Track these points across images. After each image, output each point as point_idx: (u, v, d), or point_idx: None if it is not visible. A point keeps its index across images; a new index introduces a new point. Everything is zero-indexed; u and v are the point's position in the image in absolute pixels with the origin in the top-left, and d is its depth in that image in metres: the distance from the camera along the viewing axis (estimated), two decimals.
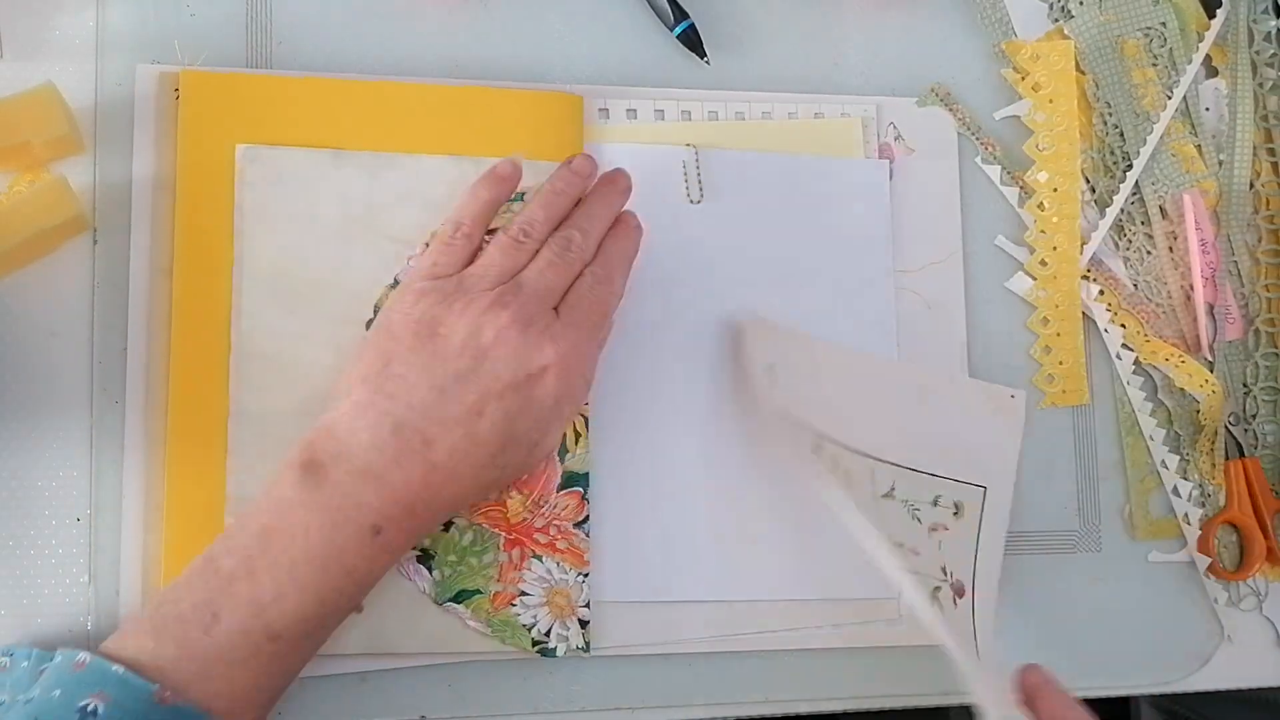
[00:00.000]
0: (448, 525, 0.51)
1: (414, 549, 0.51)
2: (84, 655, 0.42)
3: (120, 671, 0.40)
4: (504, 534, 0.52)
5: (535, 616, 0.52)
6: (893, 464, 0.56)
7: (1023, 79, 0.62)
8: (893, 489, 0.56)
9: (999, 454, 0.58)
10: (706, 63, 0.58)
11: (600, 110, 0.57)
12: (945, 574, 0.56)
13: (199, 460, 0.50)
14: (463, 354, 0.46)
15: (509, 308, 0.47)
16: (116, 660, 0.41)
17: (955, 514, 0.57)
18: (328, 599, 0.43)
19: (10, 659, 0.45)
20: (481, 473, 0.46)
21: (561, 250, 0.49)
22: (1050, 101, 0.61)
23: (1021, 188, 0.61)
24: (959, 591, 0.56)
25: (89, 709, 0.39)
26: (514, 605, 0.52)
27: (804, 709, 0.56)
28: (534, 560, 0.52)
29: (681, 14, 0.58)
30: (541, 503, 0.53)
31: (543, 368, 0.46)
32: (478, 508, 0.52)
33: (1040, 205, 0.61)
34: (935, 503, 0.57)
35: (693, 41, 0.58)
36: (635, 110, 0.57)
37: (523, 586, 0.52)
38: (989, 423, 0.58)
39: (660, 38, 0.59)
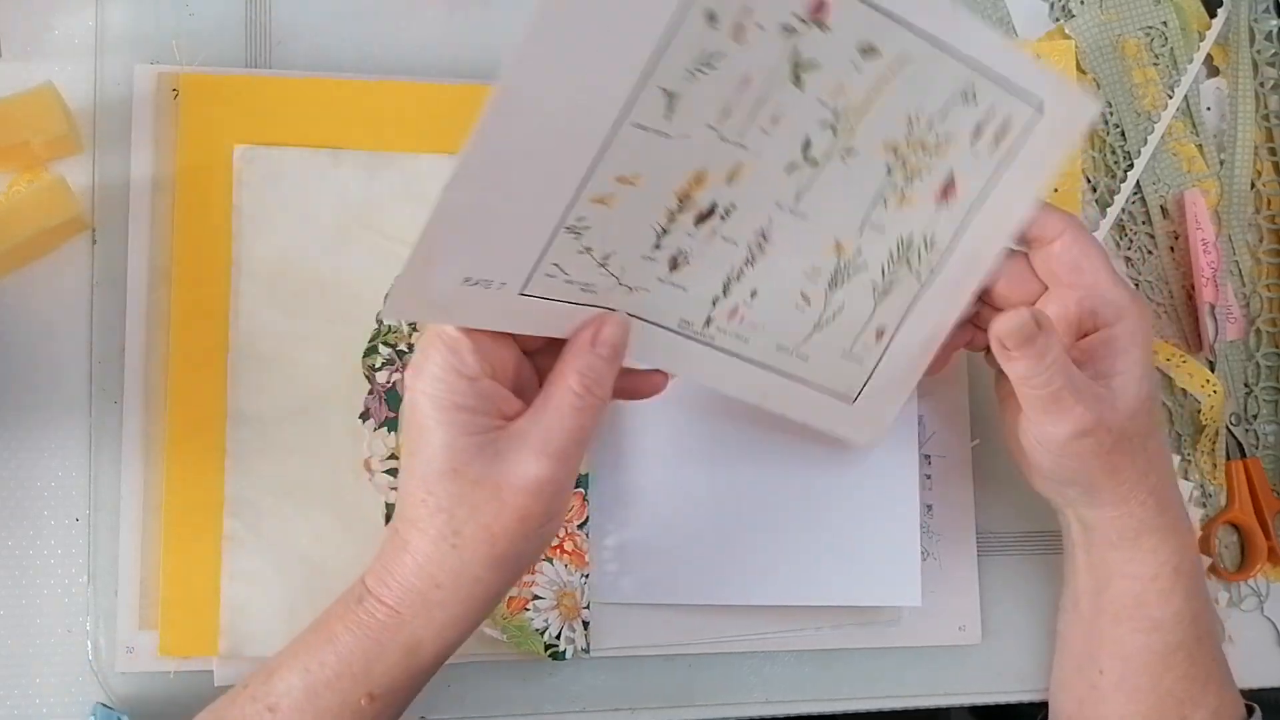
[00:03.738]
0: None
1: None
2: None
3: None
4: None
5: (547, 620, 0.52)
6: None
7: None
8: None
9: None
10: None
11: None
12: None
13: (197, 460, 0.50)
14: None
15: None
16: None
17: None
18: (311, 669, 0.42)
19: None
20: (429, 528, 0.42)
21: None
22: None
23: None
24: None
25: None
26: (528, 610, 0.52)
27: (804, 709, 0.56)
28: (545, 563, 0.52)
29: None
30: None
31: (408, 391, 0.42)
32: None
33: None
34: None
35: None
36: None
37: (536, 590, 0.52)
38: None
39: None
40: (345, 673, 0.42)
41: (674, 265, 0.45)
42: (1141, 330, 0.47)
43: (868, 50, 0.43)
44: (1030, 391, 0.46)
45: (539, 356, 0.45)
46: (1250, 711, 0.52)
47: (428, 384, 0.41)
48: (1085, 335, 0.48)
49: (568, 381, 0.42)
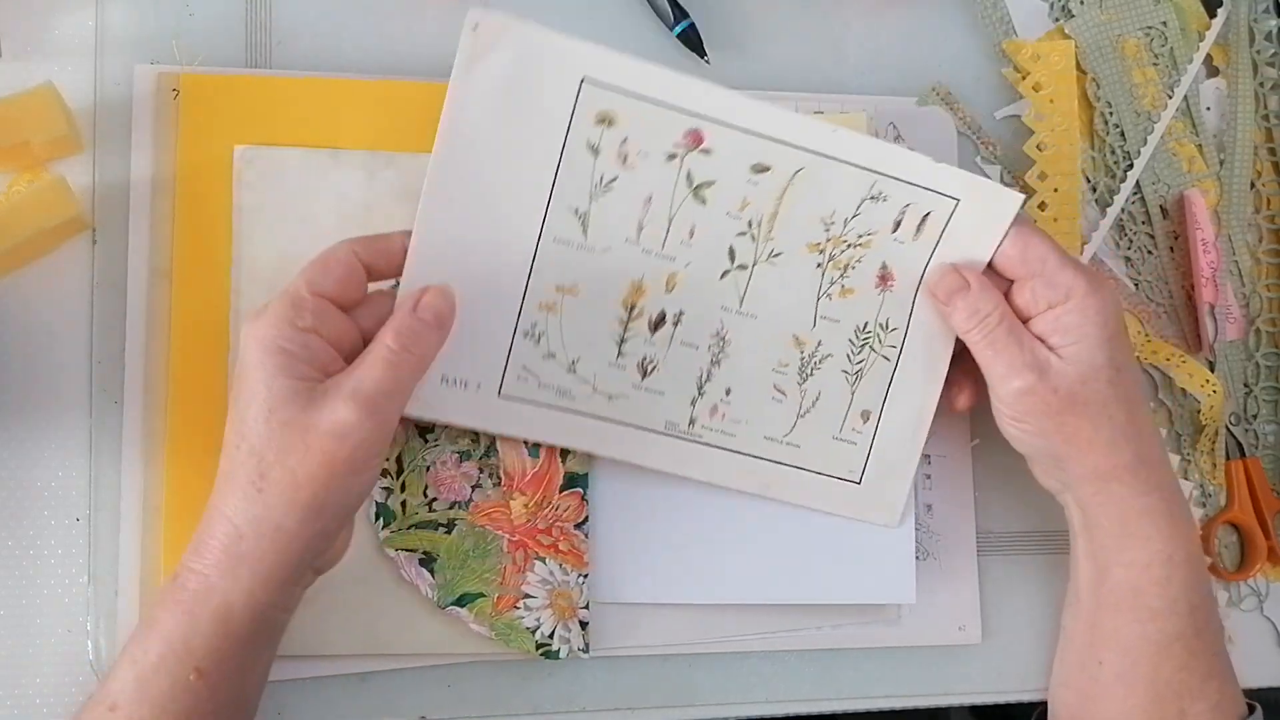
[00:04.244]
0: (450, 528, 0.51)
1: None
2: None
3: None
4: (507, 536, 0.52)
5: (539, 619, 0.52)
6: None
7: (1023, 79, 0.62)
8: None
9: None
10: (706, 62, 0.58)
11: None
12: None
13: (198, 460, 0.50)
14: None
15: None
16: None
17: None
18: (137, 657, 0.43)
19: None
20: (238, 473, 0.43)
21: None
22: (1050, 101, 0.61)
23: (1021, 188, 0.61)
24: None
25: None
26: (517, 608, 0.52)
27: (804, 709, 0.56)
28: (537, 562, 0.52)
29: (681, 14, 0.58)
30: (544, 504, 0.53)
31: (241, 339, 0.44)
32: (480, 509, 0.52)
33: (1041, 205, 0.61)
34: None
35: (693, 41, 0.58)
36: None
37: (526, 589, 0.52)
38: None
39: (660, 38, 0.59)
40: (169, 654, 0.43)
41: (644, 372, 0.51)
42: (1094, 307, 0.49)
43: (759, 168, 0.50)
44: (975, 343, 0.50)
45: None
46: (1251, 710, 0.52)
47: (260, 328, 0.44)
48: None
49: (385, 338, 0.45)
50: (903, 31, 0.62)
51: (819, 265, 0.51)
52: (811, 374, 0.52)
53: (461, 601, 0.51)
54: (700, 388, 0.52)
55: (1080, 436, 0.50)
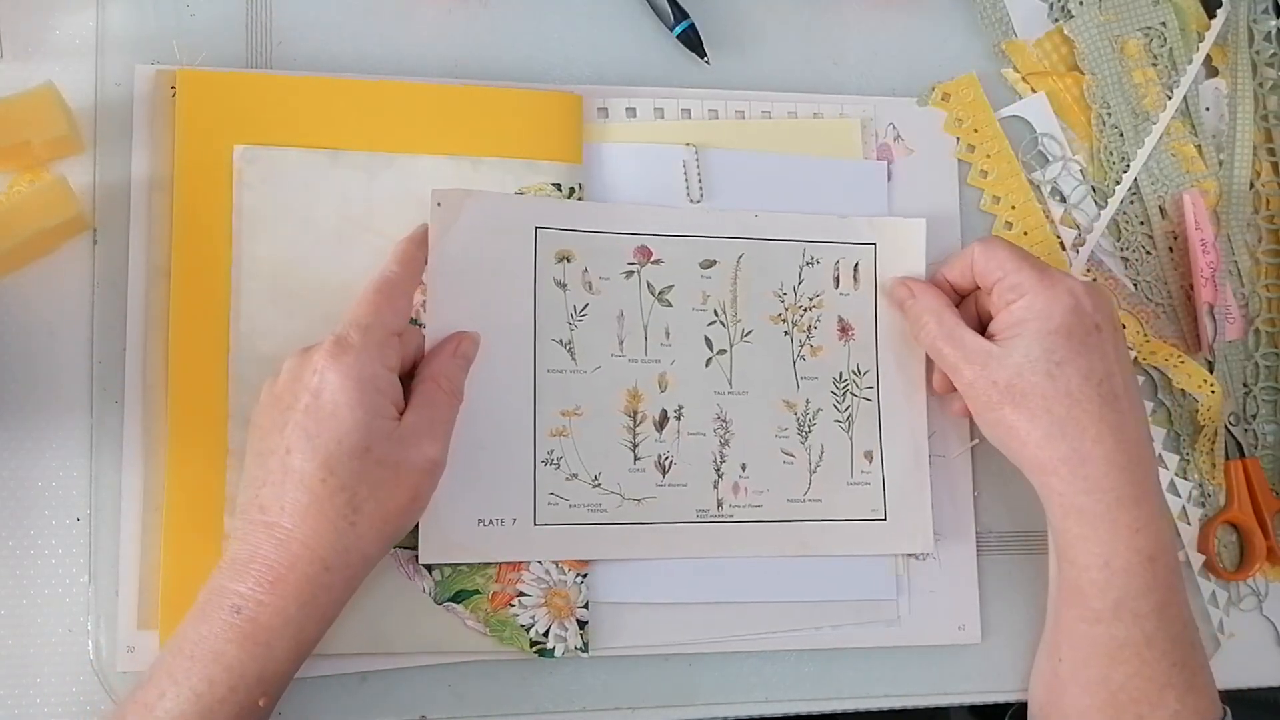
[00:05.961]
0: None
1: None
2: None
3: None
4: None
5: (533, 617, 0.52)
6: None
7: (954, 119, 0.61)
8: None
9: None
10: (706, 62, 0.58)
11: (599, 109, 0.57)
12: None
13: (198, 460, 0.50)
14: (271, 410, 0.46)
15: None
16: None
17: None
18: (201, 691, 0.42)
19: None
20: (326, 508, 0.44)
21: None
22: (975, 131, 0.61)
23: (1012, 207, 0.61)
24: None
25: None
26: (512, 605, 0.52)
27: (804, 709, 0.56)
28: (533, 561, 0.52)
29: (681, 14, 0.58)
30: None
31: (318, 373, 0.45)
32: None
33: (1007, 224, 0.61)
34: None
35: (693, 41, 0.58)
36: (634, 109, 0.57)
37: (521, 587, 0.52)
38: None
39: (660, 38, 0.59)
40: (239, 685, 0.43)
41: (664, 470, 0.54)
42: (1041, 305, 0.51)
43: (706, 263, 0.56)
44: (927, 344, 0.54)
45: None
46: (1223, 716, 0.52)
47: (351, 365, 0.45)
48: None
49: (439, 383, 0.49)
50: (903, 31, 0.62)
51: (786, 333, 0.56)
52: (810, 431, 0.56)
53: (458, 598, 0.51)
54: (718, 470, 0.55)
55: (1019, 428, 0.50)
